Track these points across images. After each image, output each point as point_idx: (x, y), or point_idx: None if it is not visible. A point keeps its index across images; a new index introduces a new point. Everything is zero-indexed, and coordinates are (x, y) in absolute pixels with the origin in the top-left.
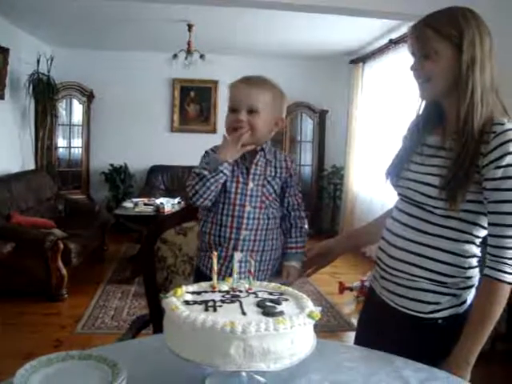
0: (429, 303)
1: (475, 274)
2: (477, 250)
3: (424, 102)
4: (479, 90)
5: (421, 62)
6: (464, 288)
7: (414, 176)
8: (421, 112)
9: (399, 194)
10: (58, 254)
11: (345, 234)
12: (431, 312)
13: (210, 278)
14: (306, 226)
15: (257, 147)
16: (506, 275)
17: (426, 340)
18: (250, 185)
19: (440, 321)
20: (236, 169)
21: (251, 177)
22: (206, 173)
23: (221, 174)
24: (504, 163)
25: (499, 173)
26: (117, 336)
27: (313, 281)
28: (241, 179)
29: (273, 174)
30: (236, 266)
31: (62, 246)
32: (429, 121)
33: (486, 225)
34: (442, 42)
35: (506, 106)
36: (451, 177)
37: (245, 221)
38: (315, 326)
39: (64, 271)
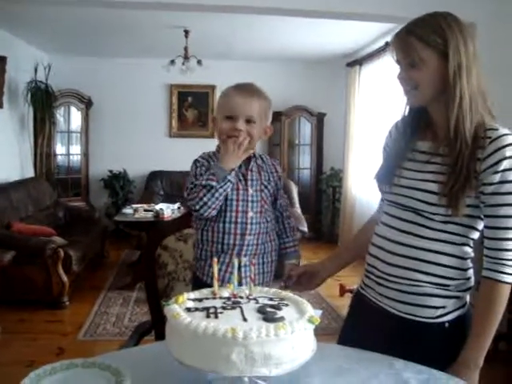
0: (436, 308)
1: (472, 274)
2: (471, 251)
3: (408, 108)
4: (467, 97)
5: (407, 71)
6: (465, 290)
7: (410, 183)
8: (406, 117)
9: (390, 201)
10: (59, 262)
11: (329, 256)
12: (439, 316)
13: (211, 287)
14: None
15: (251, 154)
16: (506, 276)
17: (433, 344)
18: (250, 191)
19: (447, 324)
20: (234, 177)
21: (249, 183)
22: (214, 183)
23: (228, 183)
24: (501, 168)
25: (497, 177)
26: (119, 342)
27: None
28: (240, 186)
29: (267, 178)
30: (240, 271)
31: (62, 253)
32: (416, 126)
33: (480, 228)
34: (427, 49)
35: (491, 110)
36: (452, 184)
37: (248, 226)
38: (316, 329)
39: (65, 278)
